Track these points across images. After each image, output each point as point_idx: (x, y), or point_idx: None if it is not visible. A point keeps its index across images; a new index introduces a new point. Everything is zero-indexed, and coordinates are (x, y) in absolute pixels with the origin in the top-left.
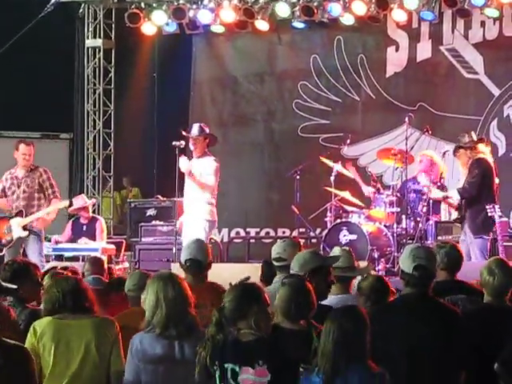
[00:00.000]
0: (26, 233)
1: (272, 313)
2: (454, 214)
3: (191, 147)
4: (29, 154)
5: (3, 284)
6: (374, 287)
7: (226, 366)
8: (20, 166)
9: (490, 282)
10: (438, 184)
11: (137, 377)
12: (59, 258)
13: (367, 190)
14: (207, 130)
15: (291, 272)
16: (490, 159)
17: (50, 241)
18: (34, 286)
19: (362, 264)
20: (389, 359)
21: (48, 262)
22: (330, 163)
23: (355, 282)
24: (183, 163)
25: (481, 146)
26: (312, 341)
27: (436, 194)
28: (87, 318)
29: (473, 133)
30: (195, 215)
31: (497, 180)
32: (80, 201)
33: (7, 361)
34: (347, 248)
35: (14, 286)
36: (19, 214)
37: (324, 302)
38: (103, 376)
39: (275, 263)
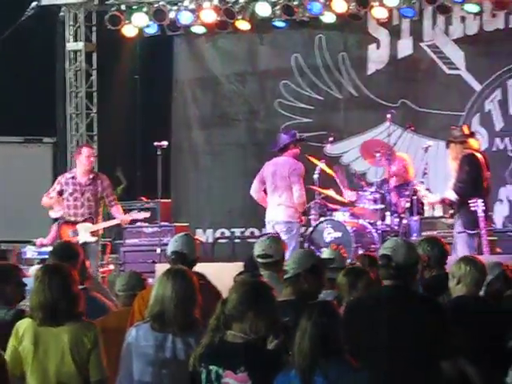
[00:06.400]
0: (95, 238)
1: None
2: (438, 210)
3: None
4: (93, 156)
5: None
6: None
7: (211, 367)
8: (82, 172)
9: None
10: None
11: (129, 374)
12: (44, 261)
13: (348, 195)
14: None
15: (287, 268)
16: (479, 154)
17: (34, 245)
18: (17, 288)
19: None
20: (366, 353)
21: (31, 265)
22: (316, 162)
23: None
24: None
25: (471, 141)
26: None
27: (432, 199)
28: (68, 323)
29: (465, 127)
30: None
31: (488, 174)
32: (142, 214)
33: None
34: (339, 249)
35: None
36: (88, 220)
37: None
38: None
39: (260, 260)
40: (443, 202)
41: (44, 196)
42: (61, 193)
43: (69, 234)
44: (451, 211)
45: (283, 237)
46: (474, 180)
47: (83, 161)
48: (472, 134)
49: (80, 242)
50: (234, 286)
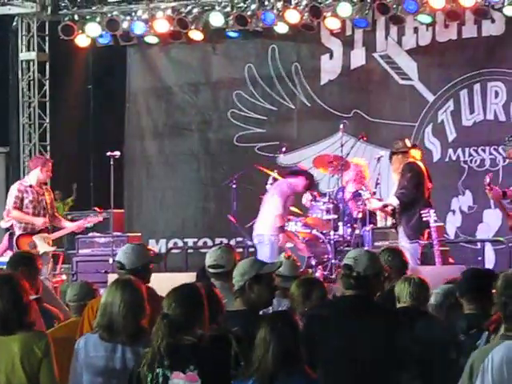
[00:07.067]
0: (54, 248)
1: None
2: (390, 220)
3: None
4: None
5: None
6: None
7: (157, 370)
8: (38, 182)
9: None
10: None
11: None
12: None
13: (305, 198)
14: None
15: (233, 281)
16: (421, 164)
17: None
18: None
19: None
20: (324, 363)
21: None
22: (269, 172)
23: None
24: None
25: (413, 152)
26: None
27: (375, 204)
28: (19, 332)
29: (407, 140)
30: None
31: (430, 184)
32: (96, 218)
33: None
34: (292, 256)
35: None
36: (44, 230)
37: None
38: None
39: (211, 270)
40: (385, 208)
41: (13, 209)
42: (22, 201)
43: (27, 247)
44: (393, 221)
45: (258, 248)
46: (416, 186)
47: (44, 173)
48: (414, 146)
49: (40, 252)
50: (170, 297)
